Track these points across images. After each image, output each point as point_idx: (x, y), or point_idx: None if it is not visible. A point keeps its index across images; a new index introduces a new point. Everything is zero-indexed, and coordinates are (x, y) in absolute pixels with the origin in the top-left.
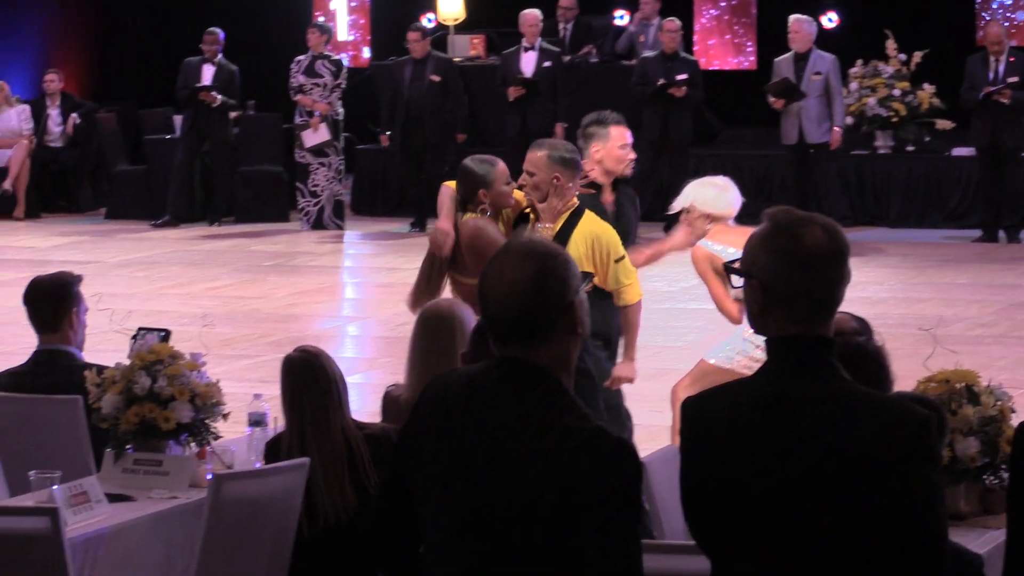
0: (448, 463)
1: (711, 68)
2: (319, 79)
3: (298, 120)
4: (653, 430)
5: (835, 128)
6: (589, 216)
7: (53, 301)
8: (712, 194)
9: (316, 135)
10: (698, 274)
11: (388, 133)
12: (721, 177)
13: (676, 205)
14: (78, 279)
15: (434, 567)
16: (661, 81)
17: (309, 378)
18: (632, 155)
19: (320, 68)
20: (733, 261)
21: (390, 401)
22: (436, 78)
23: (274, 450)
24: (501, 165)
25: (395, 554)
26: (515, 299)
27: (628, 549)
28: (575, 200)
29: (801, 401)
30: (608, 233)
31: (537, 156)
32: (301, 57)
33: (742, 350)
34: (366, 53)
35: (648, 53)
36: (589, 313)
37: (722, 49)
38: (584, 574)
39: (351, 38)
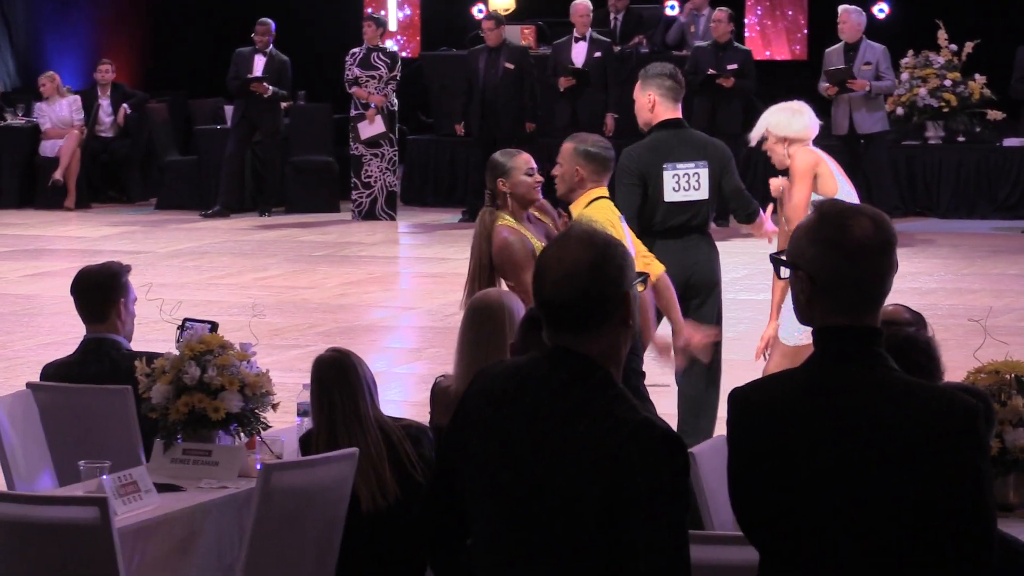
0: (495, 455)
1: (762, 58)
2: (374, 71)
3: (353, 112)
4: None
5: (863, 80)
6: (594, 205)
7: (101, 291)
8: (785, 117)
9: (372, 127)
10: (795, 171)
11: (463, 123)
12: (796, 101)
13: (752, 136)
14: (126, 269)
15: (481, 558)
16: (710, 71)
17: (340, 376)
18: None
19: (375, 60)
20: (779, 253)
21: (439, 392)
22: (510, 66)
23: (306, 445)
24: (523, 156)
25: (443, 545)
26: (571, 284)
27: (675, 541)
28: (593, 192)
29: (848, 391)
30: (594, 211)
31: (565, 147)
32: (356, 49)
33: None
34: (410, 46)
35: (701, 43)
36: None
37: (773, 39)
38: (631, 566)
39: (400, 39)
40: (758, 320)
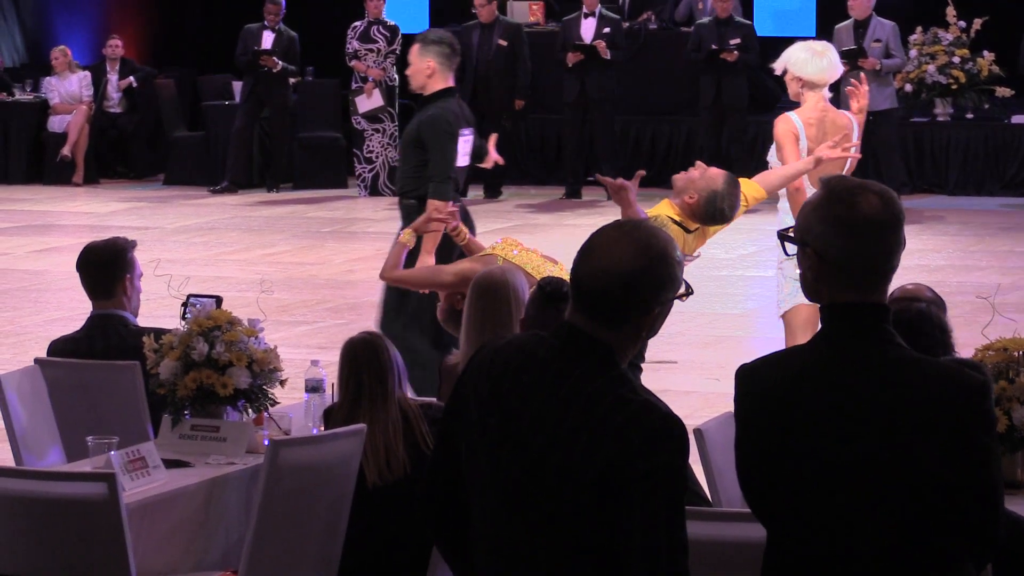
0: (495, 430)
1: (771, 35)
2: (374, 44)
3: (354, 86)
4: (710, 397)
5: (873, 59)
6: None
7: (107, 267)
8: (804, 57)
9: (369, 101)
10: (775, 136)
11: None
12: (822, 42)
13: (776, 66)
14: (132, 245)
15: (479, 533)
16: (713, 47)
17: (372, 355)
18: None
19: (375, 34)
20: (787, 229)
21: (447, 369)
22: (503, 42)
23: (327, 418)
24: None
25: (446, 521)
26: (606, 280)
27: (672, 522)
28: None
29: (856, 368)
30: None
31: (710, 175)
32: (357, 23)
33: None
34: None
35: (703, 19)
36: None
37: (782, 16)
38: (628, 547)
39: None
40: (766, 297)
